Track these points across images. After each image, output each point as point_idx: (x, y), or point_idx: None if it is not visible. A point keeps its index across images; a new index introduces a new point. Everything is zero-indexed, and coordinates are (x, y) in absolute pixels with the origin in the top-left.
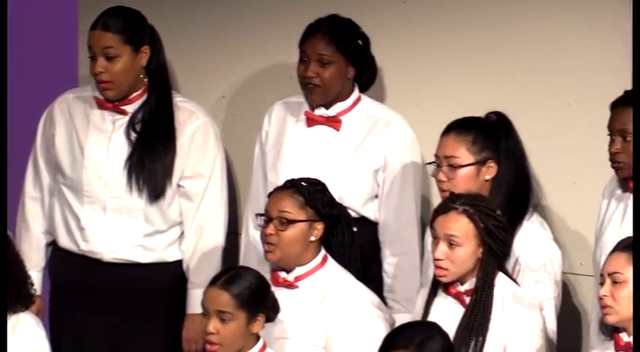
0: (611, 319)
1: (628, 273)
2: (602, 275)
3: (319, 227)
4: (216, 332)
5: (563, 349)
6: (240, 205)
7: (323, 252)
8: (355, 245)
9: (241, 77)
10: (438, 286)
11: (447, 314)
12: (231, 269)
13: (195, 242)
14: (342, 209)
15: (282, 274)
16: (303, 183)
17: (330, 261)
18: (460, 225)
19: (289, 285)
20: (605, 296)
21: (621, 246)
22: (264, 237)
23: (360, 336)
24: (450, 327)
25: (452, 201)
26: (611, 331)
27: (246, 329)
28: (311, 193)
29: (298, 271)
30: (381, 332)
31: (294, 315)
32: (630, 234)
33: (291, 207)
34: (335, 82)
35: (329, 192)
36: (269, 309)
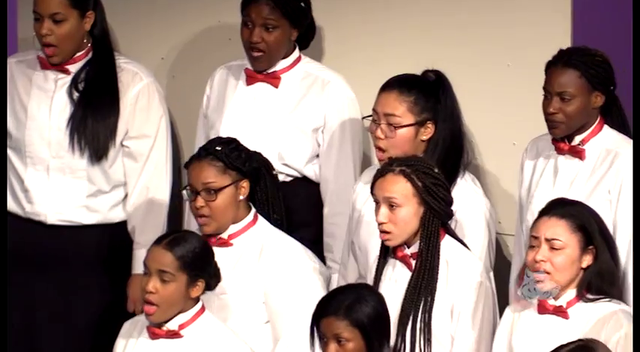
0: (548, 286)
1: (567, 241)
2: (536, 237)
3: (245, 185)
4: (155, 291)
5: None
6: (182, 166)
7: (254, 210)
8: (278, 193)
9: (180, 39)
10: (387, 250)
11: (397, 278)
12: (177, 232)
13: (140, 202)
14: (259, 158)
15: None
16: (217, 147)
17: (261, 219)
18: (398, 186)
19: (223, 243)
20: (542, 261)
21: (559, 212)
22: (195, 211)
23: (298, 290)
24: (401, 290)
25: (388, 164)
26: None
27: (186, 292)
28: (228, 155)
29: (232, 229)
30: (317, 285)
31: (232, 272)
32: (563, 195)
33: (213, 176)
34: (280, 46)
35: (243, 146)
36: (210, 276)
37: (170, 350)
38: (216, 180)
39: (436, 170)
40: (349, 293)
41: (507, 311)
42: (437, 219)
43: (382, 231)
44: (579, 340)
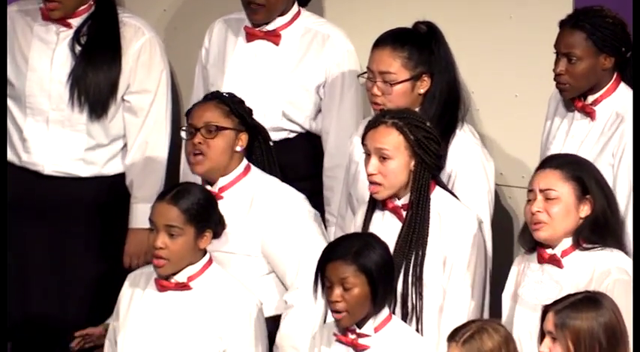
0: (543, 234)
1: (561, 190)
2: (531, 190)
3: (243, 137)
4: (164, 247)
5: (497, 258)
6: (181, 118)
7: (246, 161)
8: (274, 160)
9: None
10: (375, 201)
11: (386, 229)
12: (179, 185)
13: (139, 157)
14: (258, 123)
15: (207, 186)
16: (225, 94)
17: (254, 169)
18: (390, 138)
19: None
20: (538, 212)
21: (554, 163)
22: (192, 148)
23: (296, 236)
24: (390, 242)
25: (381, 116)
26: (530, 244)
27: (194, 244)
28: (234, 103)
29: (222, 181)
30: (314, 227)
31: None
32: (574, 151)
33: (217, 116)
34: (279, 1)
35: (246, 106)
36: (216, 225)
37: (179, 302)
38: (219, 120)
39: (428, 123)
40: (356, 240)
41: (515, 262)
42: (427, 172)
43: (372, 183)
44: (586, 291)
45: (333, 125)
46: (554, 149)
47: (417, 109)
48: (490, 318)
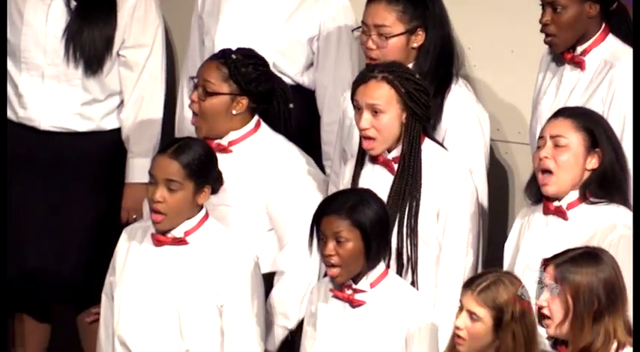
0: (551, 190)
1: (571, 138)
2: (541, 137)
3: (243, 101)
4: (163, 200)
5: (494, 212)
6: (177, 73)
7: (257, 118)
8: (291, 122)
9: None
10: (364, 156)
11: (377, 183)
12: (180, 139)
13: (135, 112)
14: (279, 84)
15: (216, 140)
16: (234, 55)
17: (264, 126)
18: (381, 92)
19: (223, 149)
20: (546, 157)
21: (567, 113)
22: (190, 106)
23: (300, 200)
24: (381, 196)
25: (370, 71)
26: (536, 196)
27: (193, 199)
28: (237, 67)
29: (232, 136)
30: (316, 194)
31: (231, 181)
32: (563, 104)
33: (214, 78)
34: None
35: (264, 67)
36: (215, 181)
37: (175, 256)
38: (215, 82)
39: (417, 75)
40: (352, 195)
41: (519, 214)
42: (419, 124)
43: (365, 138)
44: (586, 247)
45: (330, 79)
46: (545, 104)
47: (411, 64)
48: (507, 271)
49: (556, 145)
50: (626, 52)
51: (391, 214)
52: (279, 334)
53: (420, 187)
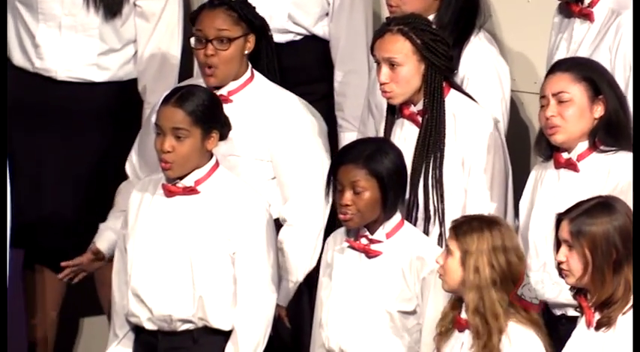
0: (560, 138)
1: (573, 91)
2: (543, 96)
3: (252, 39)
4: (172, 150)
5: (514, 162)
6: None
7: (250, 66)
8: (274, 56)
9: None
10: (394, 109)
11: (406, 137)
12: (182, 88)
13: (152, 62)
14: (264, 21)
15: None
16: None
17: (257, 74)
18: (397, 45)
19: (224, 100)
20: (552, 116)
21: (563, 67)
22: (204, 59)
23: (303, 148)
24: (409, 149)
25: (386, 24)
26: (546, 152)
27: (202, 146)
28: (242, 7)
29: (231, 85)
30: (318, 143)
31: (235, 131)
32: (573, 54)
33: (227, 25)
34: None
35: (250, 4)
36: (222, 126)
37: (187, 206)
38: (231, 29)
39: (434, 26)
40: (370, 144)
41: (531, 174)
42: (439, 75)
43: (384, 91)
44: (599, 196)
45: (344, 30)
46: (560, 55)
47: (432, 15)
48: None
49: (560, 101)
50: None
51: (417, 166)
52: (290, 288)
53: (444, 138)
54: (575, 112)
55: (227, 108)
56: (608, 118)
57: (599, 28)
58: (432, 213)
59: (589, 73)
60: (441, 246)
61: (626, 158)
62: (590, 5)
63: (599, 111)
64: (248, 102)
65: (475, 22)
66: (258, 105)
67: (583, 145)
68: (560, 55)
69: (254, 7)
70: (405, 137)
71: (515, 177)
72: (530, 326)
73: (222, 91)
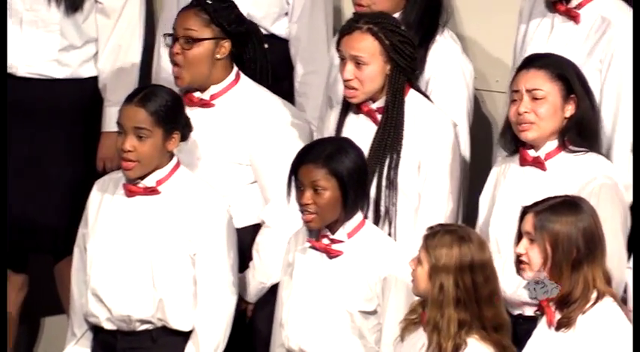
0: (531, 135)
1: (548, 89)
2: (517, 91)
3: (226, 45)
4: (133, 149)
5: (475, 160)
6: (155, 20)
7: (236, 69)
8: (267, 61)
9: None
10: (348, 105)
11: (360, 133)
12: (146, 87)
13: (113, 60)
14: (252, 26)
15: (197, 93)
16: (208, 0)
17: (244, 77)
18: (365, 44)
19: (205, 104)
20: (526, 112)
21: (537, 63)
22: (171, 58)
23: (284, 152)
24: (364, 146)
25: (355, 21)
26: (511, 147)
27: (163, 146)
28: (216, 10)
29: (213, 89)
30: (301, 141)
31: (215, 135)
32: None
33: (196, 25)
34: None
35: (237, 9)
36: (183, 127)
37: (148, 206)
38: (198, 29)
39: (402, 27)
40: (330, 144)
41: (493, 169)
42: (403, 76)
43: (348, 88)
44: (566, 196)
45: (305, 31)
46: (535, 50)
47: (398, 13)
48: (466, 226)
49: (533, 98)
50: (623, 9)
51: (372, 165)
52: (259, 289)
53: (402, 139)
54: (548, 110)
55: (208, 113)
56: (578, 118)
57: (588, 33)
58: (382, 212)
59: (564, 71)
60: None
61: (596, 161)
62: (578, 7)
63: (570, 110)
64: (231, 106)
65: (439, 21)
66: (242, 109)
67: (552, 144)
68: (536, 47)
69: (236, 14)
70: (360, 133)
71: (477, 174)
72: (491, 345)
73: (205, 95)
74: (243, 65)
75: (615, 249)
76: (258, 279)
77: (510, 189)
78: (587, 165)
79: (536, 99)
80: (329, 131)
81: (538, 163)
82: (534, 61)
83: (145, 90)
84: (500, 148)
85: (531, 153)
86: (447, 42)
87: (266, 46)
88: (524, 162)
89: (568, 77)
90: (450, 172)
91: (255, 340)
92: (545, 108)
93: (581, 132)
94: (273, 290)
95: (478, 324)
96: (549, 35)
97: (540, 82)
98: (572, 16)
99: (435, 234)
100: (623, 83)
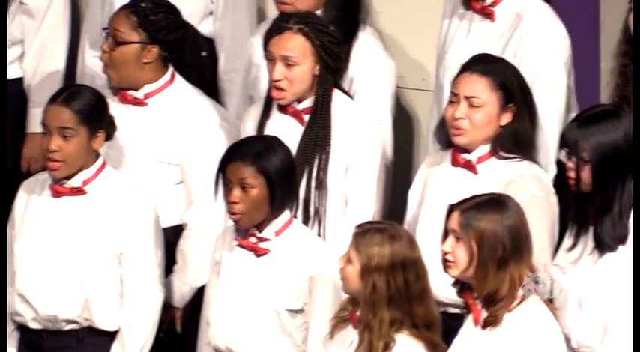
0: (463, 140)
1: (487, 98)
2: (456, 94)
3: (153, 50)
4: (58, 149)
5: (397, 158)
6: (80, 21)
7: (171, 69)
8: (203, 68)
9: None
10: (271, 105)
11: (284, 133)
12: (70, 87)
13: (37, 61)
14: (190, 31)
15: (131, 92)
16: (144, 3)
17: (179, 78)
18: (296, 44)
19: (139, 103)
20: (461, 118)
21: (480, 69)
22: (101, 55)
23: (212, 153)
24: (290, 146)
25: (284, 21)
26: (446, 141)
27: (88, 145)
28: (147, 15)
29: (147, 88)
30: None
31: (146, 134)
32: (474, 52)
33: (123, 27)
34: None
35: (174, 15)
36: (108, 126)
37: (74, 207)
38: (125, 32)
39: (332, 27)
40: (258, 142)
41: (423, 164)
42: (331, 76)
43: (277, 89)
44: (492, 193)
45: (229, 30)
46: (454, 51)
47: (319, 11)
48: (395, 224)
49: (471, 105)
50: (537, 4)
51: (300, 165)
52: (186, 292)
53: (330, 140)
54: (483, 118)
55: (141, 111)
56: (514, 128)
57: (503, 30)
58: (311, 212)
59: (506, 80)
60: None
61: (529, 170)
62: (493, 5)
63: (506, 119)
64: (163, 106)
65: (359, 17)
66: (174, 109)
67: (484, 148)
68: (456, 48)
69: (170, 21)
70: (285, 133)
71: (402, 173)
72: (422, 342)
73: (138, 94)
74: (182, 69)
75: (541, 262)
76: (183, 282)
77: (440, 188)
78: (517, 176)
79: (474, 106)
80: (248, 131)
81: (470, 167)
82: (478, 65)
83: (69, 90)
84: (424, 145)
85: (463, 155)
86: (369, 39)
87: (204, 54)
88: (456, 163)
89: (509, 87)
90: (377, 172)
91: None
92: (480, 116)
93: (517, 141)
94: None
95: (409, 321)
96: (467, 34)
97: (480, 89)
98: (487, 13)
99: (365, 233)
100: (535, 78)
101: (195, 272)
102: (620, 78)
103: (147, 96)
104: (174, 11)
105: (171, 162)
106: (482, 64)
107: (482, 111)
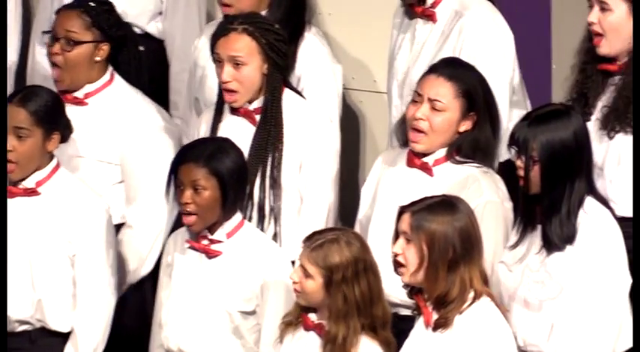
0: (420, 147)
1: (450, 104)
2: (420, 94)
3: (105, 48)
4: (13, 149)
5: (347, 161)
6: (32, 19)
7: (110, 69)
8: (141, 64)
9: None
10: (222, 108)
11: (237, 134)
12: (26, 88)
13: None
14: (128, 29)
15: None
16: (91, 3)
17: (118, 78)
18: (242, 44)
19: (78, 102)
20: (421, 119)
21: (447, 73)
22: (50, 57)
23: (153, 154)
24: (242, 146)
25: (229, 23)
26: (404, 138)
27: (42, 146)
28: (98, 14)
29: (87, 88)
30: (168, 147)
31: (86, 133)
32: (417, 57)
33: (77, 28)
34: None
35: (116, 12)
36: (64, 128)
37: (28, 207)
38: (79, 32)
39: (277, 26)
40: (210, 143)
41: (378, 160)
42: (279, 74)
43: (227, 90)
44: (443, 195)
45: (179, 28)
46: (401, 59)
47: (264, 12)
48: (349, 229)
49: (433, 108)
50: (476, 1)
51: (253, 165)
52: (120, 290)
53: (283, 138)
54: (443, 123)
55: (81, 111)
56: (473, 136)
57: (443, 28)
58: (267, 212)
59: (471, 88)
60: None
61: (485, 176)
62: (433, 6)
63: (466, 125)
64: (103, 106)
65: (305, 17)
66: (114, 108)
67: (441, 152)
68: (403, 54)
69: (115, 17)
70: (238, 134)
71: (351, 174)
72: (379, 343)
73: (79, 94)
74: (118, 67)
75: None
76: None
77: (394, 188)
78: (472, 180)
79: (436, 109)
80: (200, 134)
81: (426, 168)
82: (446, 69)
83: (25, 90)
84: (373, 146)
85: (420, 158)
86: (315, 39)
87: (141, 48)
88: (411, 164)
89: (473, 95)
90: (331, 168)
91: (125, 337)
92: (440, 120)
93: (476, 149)
94: (138, 286)
95: (370, 323)
96: (412, 41)
97: (444, 93)
98: (428, 15)
99: (320, 246)
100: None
101: (131, 271)
102: (579, 74)
103: (87, 95)
104: (114, 7)
105: (112, 162)
106: (450, 69)
107: (442, 115)
